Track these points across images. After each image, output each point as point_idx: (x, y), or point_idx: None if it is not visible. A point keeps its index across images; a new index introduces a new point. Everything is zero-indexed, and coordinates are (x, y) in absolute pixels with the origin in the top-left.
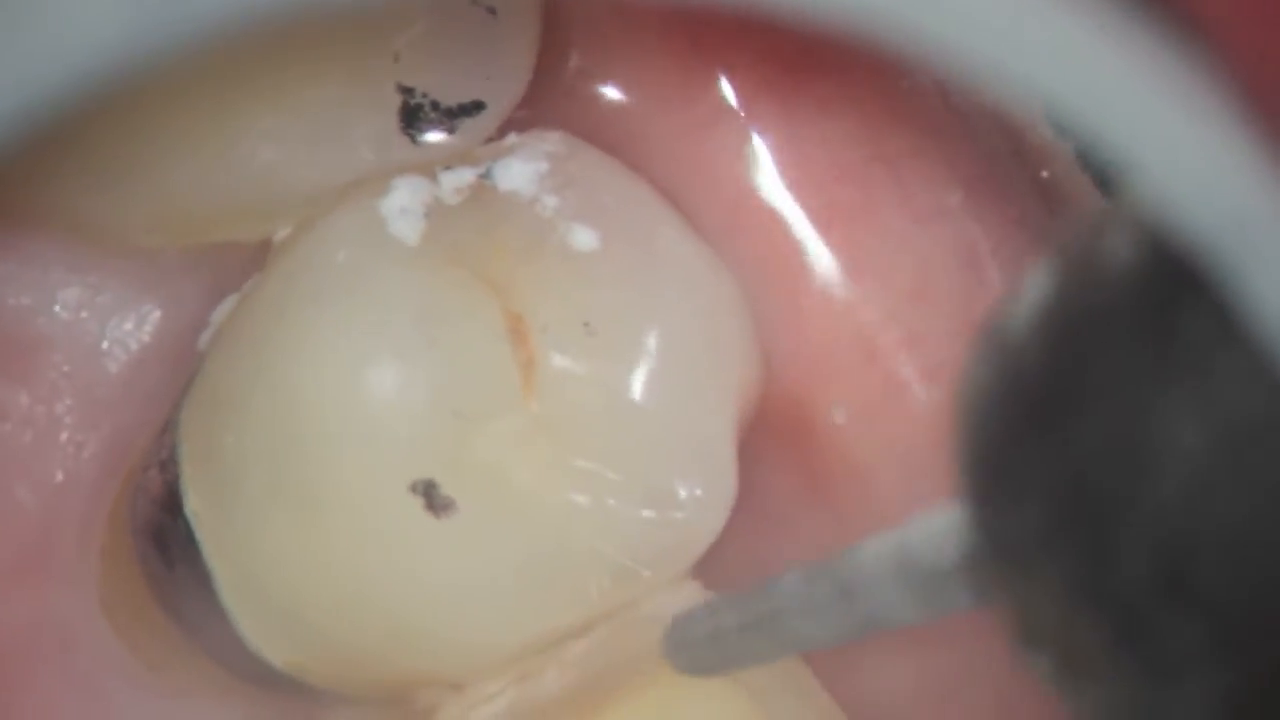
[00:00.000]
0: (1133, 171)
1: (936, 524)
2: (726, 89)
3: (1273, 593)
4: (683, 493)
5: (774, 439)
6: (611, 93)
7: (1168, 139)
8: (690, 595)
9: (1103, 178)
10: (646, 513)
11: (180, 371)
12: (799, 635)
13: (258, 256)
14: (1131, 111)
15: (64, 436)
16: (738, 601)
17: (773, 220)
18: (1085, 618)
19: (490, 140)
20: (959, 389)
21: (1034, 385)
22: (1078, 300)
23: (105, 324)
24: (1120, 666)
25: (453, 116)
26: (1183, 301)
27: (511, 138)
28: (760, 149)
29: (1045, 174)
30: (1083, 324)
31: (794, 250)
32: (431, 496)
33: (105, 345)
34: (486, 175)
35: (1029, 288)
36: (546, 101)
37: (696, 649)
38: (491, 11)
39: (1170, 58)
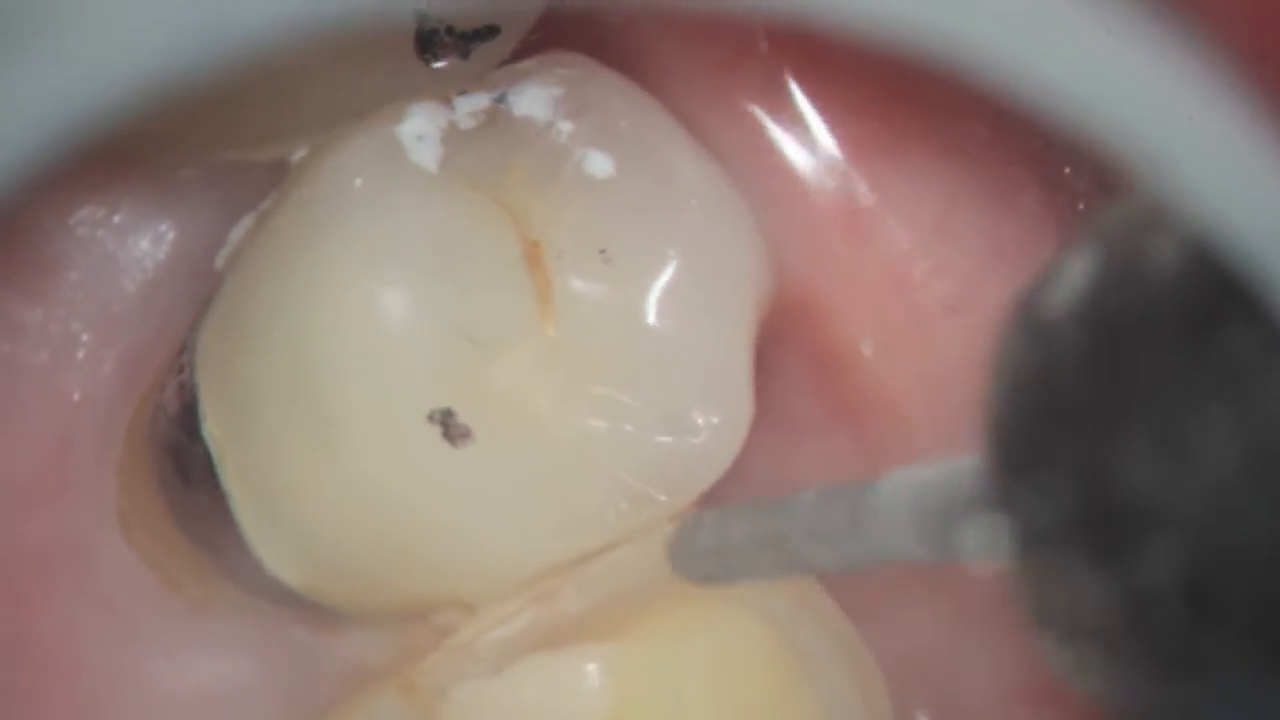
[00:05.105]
0: (1165, 175)
1: (956, 469)
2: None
3: None
4: (699, 419)
5: (802, 367)
6: (631, 8)
7: (1198, 143)
8: None
9: None
10: (663, 438)
11: (197, 290)
12: (805, 557)
13: (273, 176)
14: (1162, 116)
15: (81, 355)
16: (748, 515)
17: (798, 151)
18: (1099, 605)
19: (506, 64)
20: (992, 358)
21: (1068, 371)
22: (1117, 294)
23: (122, 243)
24: (1131, 658)
25: (467, 41)
26: (1225, 314)
27: (527, 62)
28: (784, 80)
29: None
30: (1121, 319)
31: (819, 182)
32: (449, 426)
33: (122, 264)
34: (502, 100)
35: (1067, 271)
36: (563, 26)
37: (701, 557)
38: None
39: (1190, 58)
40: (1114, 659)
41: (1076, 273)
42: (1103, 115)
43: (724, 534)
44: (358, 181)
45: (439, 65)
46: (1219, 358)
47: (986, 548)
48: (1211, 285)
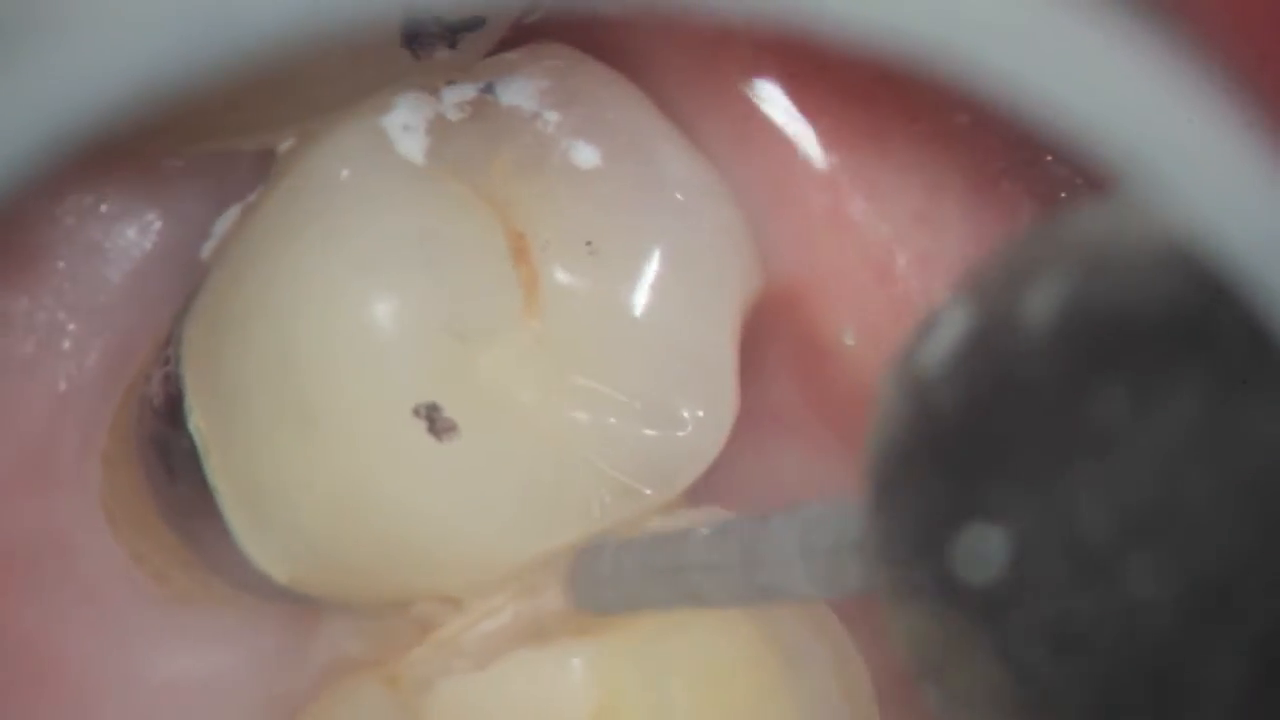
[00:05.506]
0: (1161, 180)
1: (844, 509)
2: None
3: (1158, 671)
4: (684, 412)
5: (785, 358)
6: (617, 10)
7: (1196, 149)
8: (693, 516)
9: None
10: (648, 431)
11: (183, 281)
12: (698, 591)
13: (260, 166)
14: (1161, 122)
15: (66, 345)
16: (644, 547)
17: (781, 141)
18: (968, 655)
19: (493, 55)
20: (872, 413)
21: (939, 425)
22: (990, 350)
23: (108, 232)
24: (998, 707)
25: (454, 31)
26: (1097, 372)
27: (514, 53)
28: (768, 71)
29: None
30: (993, 375)
31: (803, 171)
32: (434, 420)
33: (108, 253)
34: (489, 90)
35: (941, 327)
36: (549, 17)
37: (599, 586)
38: None
39: (1188, 63)
40: (981, 708)
41: (950, 329)
42: (1101, 121)
43: (620, 564)
44: (344, 173)
45: (426, 55)
46: (1089, 415)
47: (870, 589)
48: (1084, 342)
